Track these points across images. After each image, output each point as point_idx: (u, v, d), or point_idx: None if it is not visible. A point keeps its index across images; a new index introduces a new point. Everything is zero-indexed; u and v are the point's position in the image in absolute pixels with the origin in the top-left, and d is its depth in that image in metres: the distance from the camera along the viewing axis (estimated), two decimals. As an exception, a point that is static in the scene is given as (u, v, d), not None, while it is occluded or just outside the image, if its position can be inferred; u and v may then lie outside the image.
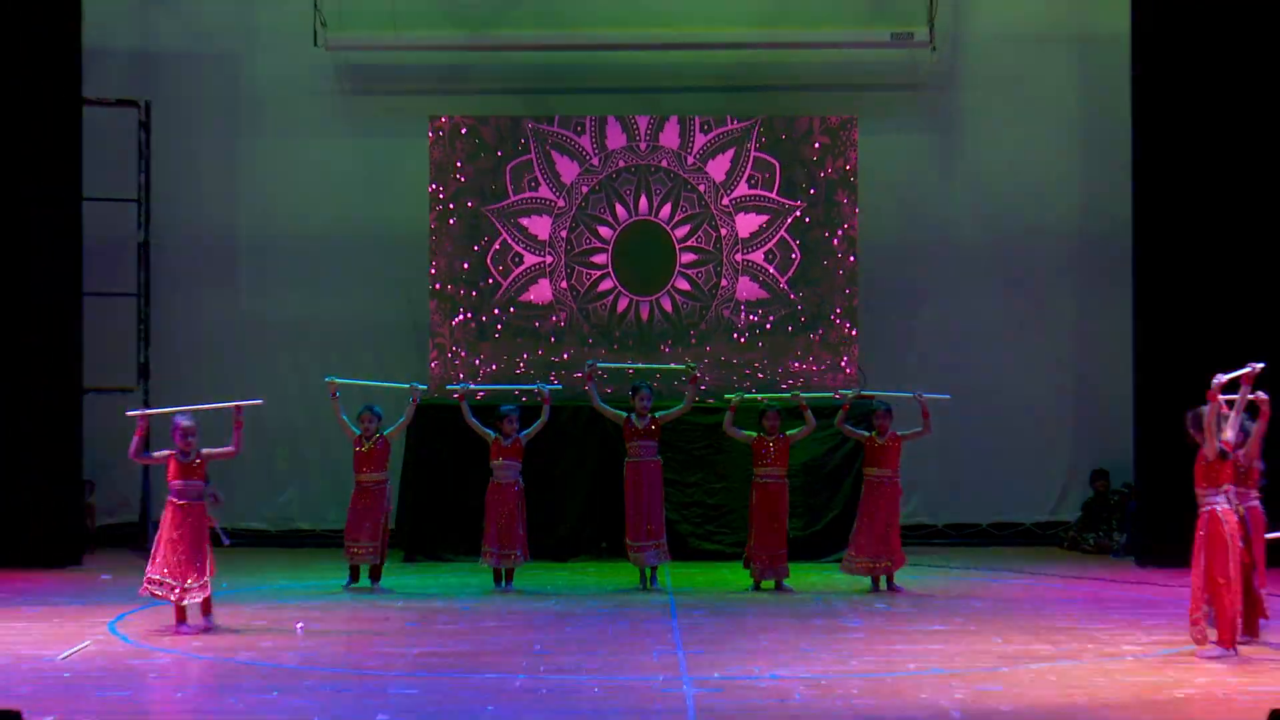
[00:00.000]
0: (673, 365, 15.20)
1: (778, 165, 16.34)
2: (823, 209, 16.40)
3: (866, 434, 13.83)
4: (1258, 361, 10.50)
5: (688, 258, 16.43)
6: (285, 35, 16.94)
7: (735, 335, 16.26)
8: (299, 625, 11.85)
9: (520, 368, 16.17)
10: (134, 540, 16.33)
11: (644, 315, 16.40)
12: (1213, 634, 10.42)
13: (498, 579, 13.81)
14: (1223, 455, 10.44)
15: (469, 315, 16.24)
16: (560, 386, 14.82)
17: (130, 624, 11.83)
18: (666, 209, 16.42)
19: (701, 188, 16.38)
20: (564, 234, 16.38)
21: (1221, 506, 10.44)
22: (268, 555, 15.64)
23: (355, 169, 17.11)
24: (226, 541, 12.30)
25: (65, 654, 10.55)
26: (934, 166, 17.26)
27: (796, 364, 16.28)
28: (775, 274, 16.34)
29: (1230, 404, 10.56)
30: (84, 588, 13.85)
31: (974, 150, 17.23)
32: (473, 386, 14.69)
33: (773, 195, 16.34)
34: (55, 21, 15.21)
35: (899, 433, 13.81)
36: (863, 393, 14.69)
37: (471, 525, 14.38)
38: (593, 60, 17.11)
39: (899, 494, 13.86)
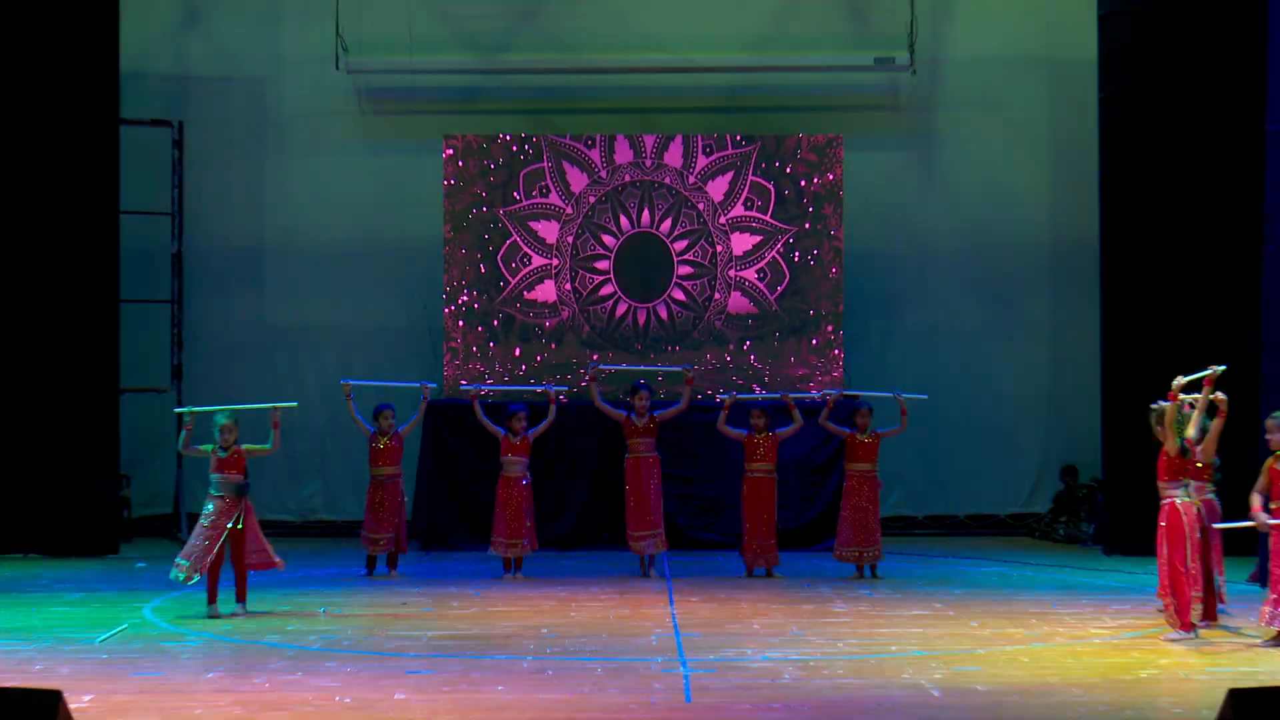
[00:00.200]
0: (670, 368, 15.19)
1: (773, 190, 16.34)
2: (810, 221, 16.40)
3: (848, 431, 13.84)
4: (1217, 365, 10.51)
5: (684, 270, 16.43)
6: (309, 60, 16.94)
7: (727, 344, 16.26)
8: (322, 610, 11.84)
9: (523, 368, 16.15)
10: (167, 530, 16.34)
11: (641, 320, 16.41)
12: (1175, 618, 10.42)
13: (507, 567, 13.79)
14: (1184, 452, 10.45)
15: (479, 310, 16.20)
16: (567, 388, 14.81)
17: (165, 609, 11.82)
18: (667, 223, 16.42)
19: (701, 206, 16.38)
20: (570, 239, 16.38)
21: (1181, 499, 10.44)
22: (292, 544, 15.58)
23: (374, 184, 17.10)
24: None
25: (103, 637, 10.54)
26: (914, 181, 17.25)
27: (786, 366, 16.28)
28: (765, 291, 16.35)
29: (1192, 404, 10.56)
30: (121, 575, 13.84)
31: (951, 166, 17.23)
32: (484, 387, 14.68)
33: (767, 218, 16.35)
34: (95, 48, 15.20)
35: (879, 430, 13.81)
36: (846, 392, 14.68)
37: (482, 517, 14.37)
38: (595, 82, 17.11)
39: (879, 487, 13.84)
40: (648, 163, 16.38)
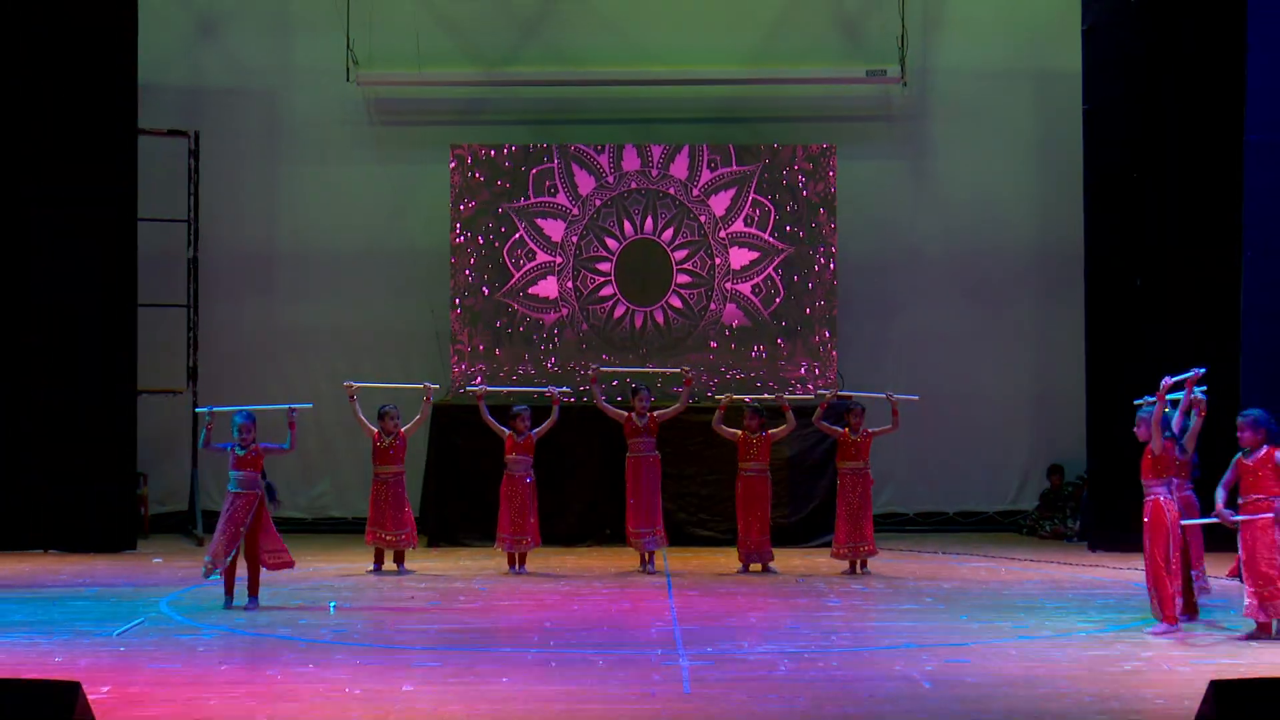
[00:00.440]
0: (669, 370, 15.17)
1: (773, 210, 16.34)
2: (805, 228, 16.39)
3: (841, 429, 13.82)
4: (1198, 367, 10.51)
5: (683, 279, 16.42)
6: (320, 72, 16.92)
7: (718, 348, 16.26)
8: (332, 604, 11.83)
9: (524, 368, 16.14)
10: (183, 528, 16.32)
11: (638, 323, 16.40)
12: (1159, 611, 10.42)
13: (511, 562, 13.78)
14: (1167, 450, 10.44)
15: (484, 298, 16.19)
16: (569, 389, 14.79)
17: (180, 603, 11.80)
18: (669, 232, 16.41)
19: (703, 218, 16.38)
20: (575, 239, 16.38)
21: (1164, 496, 10.43)
22: (303, 541, 15.56)
23: (382, 192, 17.09)
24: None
25: (120, 630, 10.53)
26: (905, 190, 17.24)
27: (781, 369, 16.26)
28: (759, 306, 16.34)
29: (1174, 404, 10.55)
30: (138, 571, 13.83)
31: (941, 175, 17.22)
32: (490, 388, 14.67)
33: (766, 236, 16.34)
34: (114, 60, 15.19)
35: (870, 430, 13.79)
36: (840, 393, 14.67)
37: (488, 514, 14.35)
38: (597, 94, 17.08)
39: (870, 484, 13.82)
40: (654, 172, 16.38)
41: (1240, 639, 10.16)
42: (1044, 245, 16.95)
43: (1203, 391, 10.71)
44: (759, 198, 16.34)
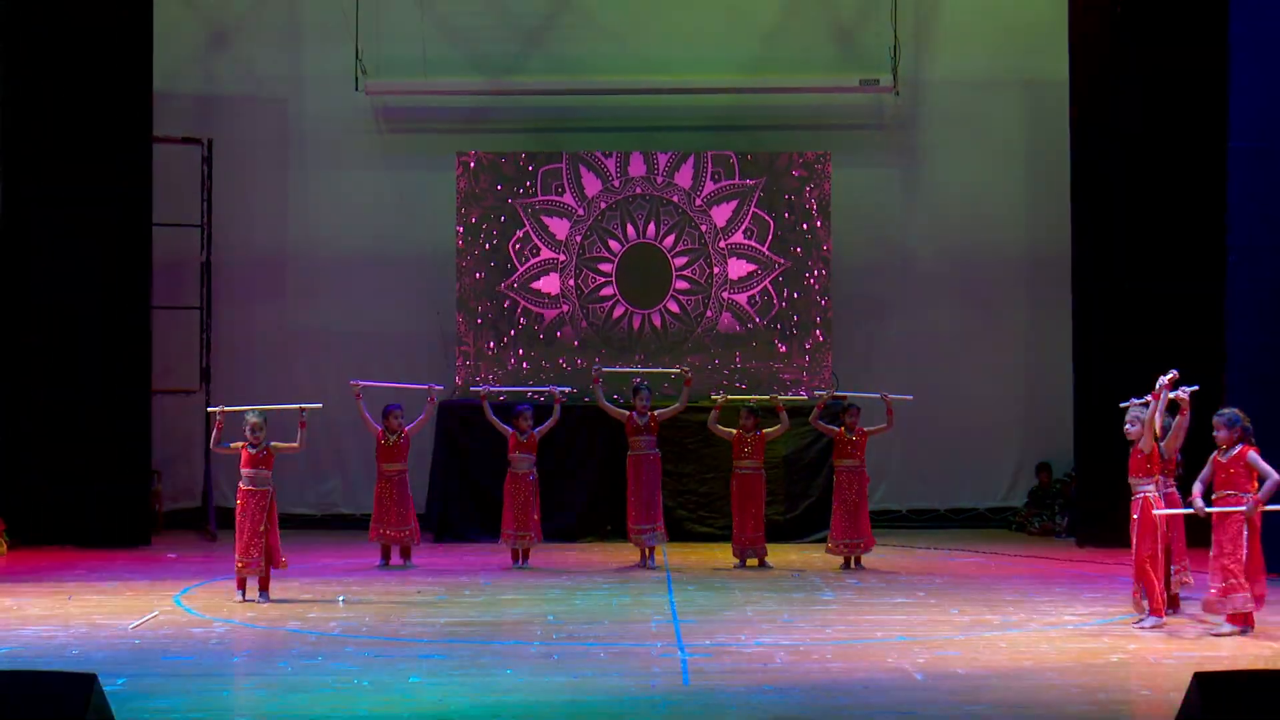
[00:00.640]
0: (668, 370, 15.16)
1: (773, 224, 16.34)
2: (801, 236, 16.39)
3: (837, 428, 13.83)
4: (1175, 369, 10.51)
5: (681, 285, 16.42)
6: (330, 81, 16.92)
7: (721, 349, 16.26)
8: (341, 598, 11.83)
9: (538, 372, 16.14)
10: (196, 524, 16.32)
11: (636, 325, 16.41)
12: (1145, 605, 10.42)
13: (515, 558, 13.78)
14: (1156, 448, 10.47)
15: (486, 291, 16.20)
16: (570, 389, 14.79)
17: (193, 597, 11.81)
18: (670, 238, 16.42)
19: (704, 227, 16.38)
20: (578, 239, 16.38)
21: (1151, 494, 10.45)
22: (313, 537, 15.61)
23: (390, 198, 17.09)
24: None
25: (135, 623, 10.53)
26: (898, 196, 17.24)
27: (777, 371, 16.25)
28: (755, 317, 16.34)
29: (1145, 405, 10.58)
30: (152, 565, 13.83)
31: (933, 182, 17.22)
32: (494, 388, 14.67)
33: (764, 249, 16.34)
34: (129, 69, 15.18)
35: (865, 429, 13.79)
36: (835, 393, 14.67)
37: (492, 510, 14.36)
38: (599, 103, 17.08)
39: (866, 482, 13.83)
40: (659, 179, 16.39)
41: (1223, 631, 10.14)
42: (1033, 249, 16.94)
43: (1189, 391, 10.70)
44: (759, 212, 16.35)
